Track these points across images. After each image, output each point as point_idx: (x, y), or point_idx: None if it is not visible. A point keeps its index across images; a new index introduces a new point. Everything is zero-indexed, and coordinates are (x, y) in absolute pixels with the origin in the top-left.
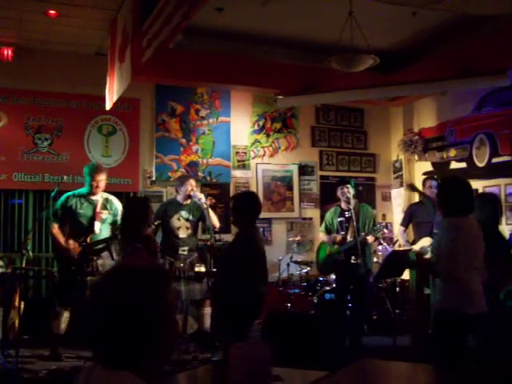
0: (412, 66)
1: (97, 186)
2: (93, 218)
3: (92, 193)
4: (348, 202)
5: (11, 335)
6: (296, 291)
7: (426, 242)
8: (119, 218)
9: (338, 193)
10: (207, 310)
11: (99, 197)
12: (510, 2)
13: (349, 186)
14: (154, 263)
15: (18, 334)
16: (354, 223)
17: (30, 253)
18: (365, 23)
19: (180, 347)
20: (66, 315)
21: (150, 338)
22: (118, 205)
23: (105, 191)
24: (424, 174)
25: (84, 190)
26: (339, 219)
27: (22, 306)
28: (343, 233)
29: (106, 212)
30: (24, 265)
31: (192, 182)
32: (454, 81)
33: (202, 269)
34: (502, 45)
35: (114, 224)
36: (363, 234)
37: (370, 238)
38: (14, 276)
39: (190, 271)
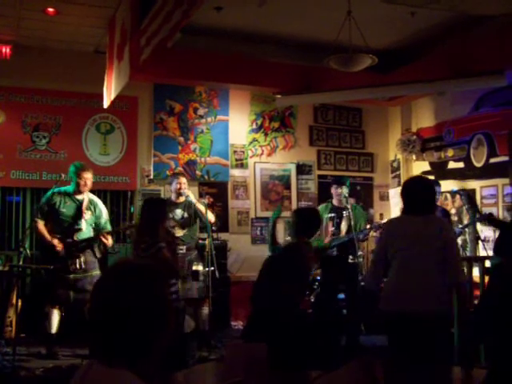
0: (410, 65)
1: (84, 185)
2: (74, 217)
3: (78, 191)
4: (342, 202)
5: (8, 333)
6: None
7: None
8: (102, 220)
9: (332, 191)
10: (205, 310)
11: (85, 196)
12: (509, 2)
13: (344, 186)
14: (173, 262)
15: (15, 332)
16: (352, 222)
17: (28, 251)
18: (363, 23)
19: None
20: (56, 314)
21: (147, 336)
22: (102, 207)
23: (103, 189)
24: (422, 173)
25: (70, 188)
26: (330, 215)
27: (20, 304)
28: (333, 228)
29: (90, 213)
30: (21, 263)
31: (181, 179)
32: (451, 81)
33: (200, 267)
34: (499, 45)
35: (95, 226)
36: (368, 227)
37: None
38: (12, 274)
39: (188, 269)
